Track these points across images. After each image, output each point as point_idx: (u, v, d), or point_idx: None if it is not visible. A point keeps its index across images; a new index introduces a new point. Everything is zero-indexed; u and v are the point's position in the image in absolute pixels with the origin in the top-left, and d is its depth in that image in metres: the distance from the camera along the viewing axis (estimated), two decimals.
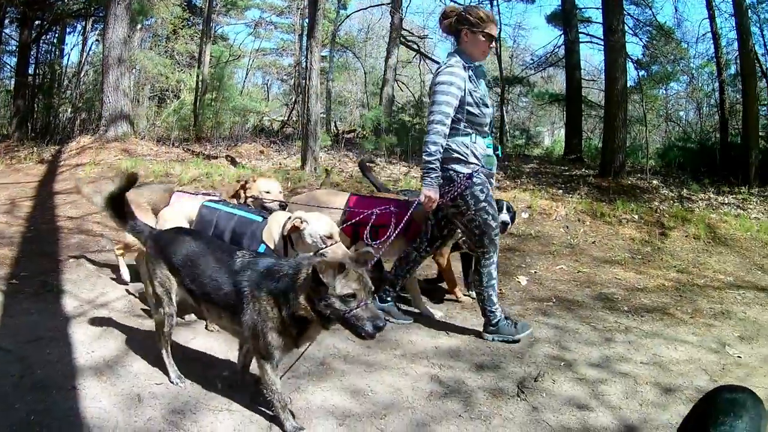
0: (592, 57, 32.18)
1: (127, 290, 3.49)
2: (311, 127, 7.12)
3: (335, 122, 15.90)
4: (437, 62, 15.22)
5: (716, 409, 1.62)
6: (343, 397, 2.36)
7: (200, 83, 10.02)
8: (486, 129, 2.92)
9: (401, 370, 2.65)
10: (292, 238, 2.61)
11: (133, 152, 8.22)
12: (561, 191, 7.39)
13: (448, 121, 2.72)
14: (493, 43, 2.84)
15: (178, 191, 3.44)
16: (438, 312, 3.44)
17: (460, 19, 2.83)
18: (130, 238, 2.90)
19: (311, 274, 1.82)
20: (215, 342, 2.77)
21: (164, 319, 2.24)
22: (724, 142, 11.14)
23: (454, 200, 2.83)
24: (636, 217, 6.03)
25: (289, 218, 2.60)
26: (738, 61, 10.72)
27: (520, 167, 9.61)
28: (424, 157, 2.72)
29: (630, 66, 13.30)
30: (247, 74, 17.84)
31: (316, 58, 7.24)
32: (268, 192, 3.27)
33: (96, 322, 2.90)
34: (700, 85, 14.97)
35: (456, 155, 2.80)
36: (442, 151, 2.72)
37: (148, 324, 2.83)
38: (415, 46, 14.63)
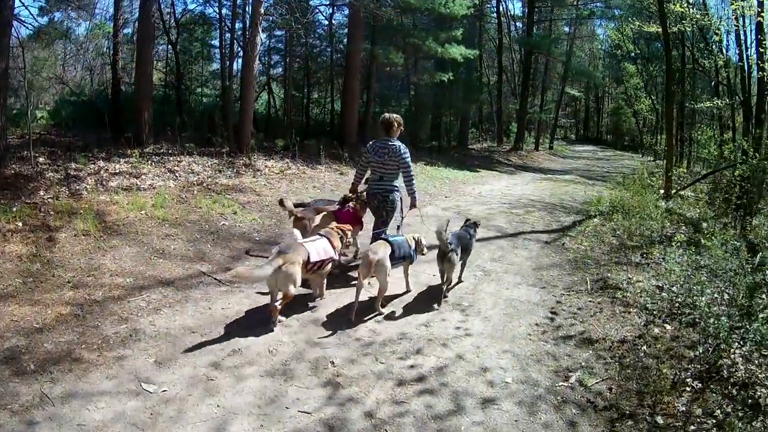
0: None
1: None
2: None
3: None
4: None
5: None
6: None
7: None
8: None
9: None
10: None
11: None
12: None
13: None
14: None
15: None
16: None
17: (399, 124, 4.99)
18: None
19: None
20: None
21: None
22: (116, 99, 11.62)
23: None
24: (20, 224, 5.40)
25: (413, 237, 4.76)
26: (137, 25, 11.01)
27: None
28: (414, 187, 4.98)
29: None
30: None
31: None
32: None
33: None
34: (91, 46, 15.42)
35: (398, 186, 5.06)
36: None
37: None
38: None
